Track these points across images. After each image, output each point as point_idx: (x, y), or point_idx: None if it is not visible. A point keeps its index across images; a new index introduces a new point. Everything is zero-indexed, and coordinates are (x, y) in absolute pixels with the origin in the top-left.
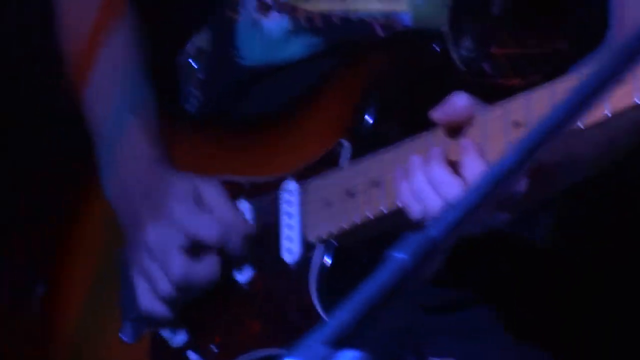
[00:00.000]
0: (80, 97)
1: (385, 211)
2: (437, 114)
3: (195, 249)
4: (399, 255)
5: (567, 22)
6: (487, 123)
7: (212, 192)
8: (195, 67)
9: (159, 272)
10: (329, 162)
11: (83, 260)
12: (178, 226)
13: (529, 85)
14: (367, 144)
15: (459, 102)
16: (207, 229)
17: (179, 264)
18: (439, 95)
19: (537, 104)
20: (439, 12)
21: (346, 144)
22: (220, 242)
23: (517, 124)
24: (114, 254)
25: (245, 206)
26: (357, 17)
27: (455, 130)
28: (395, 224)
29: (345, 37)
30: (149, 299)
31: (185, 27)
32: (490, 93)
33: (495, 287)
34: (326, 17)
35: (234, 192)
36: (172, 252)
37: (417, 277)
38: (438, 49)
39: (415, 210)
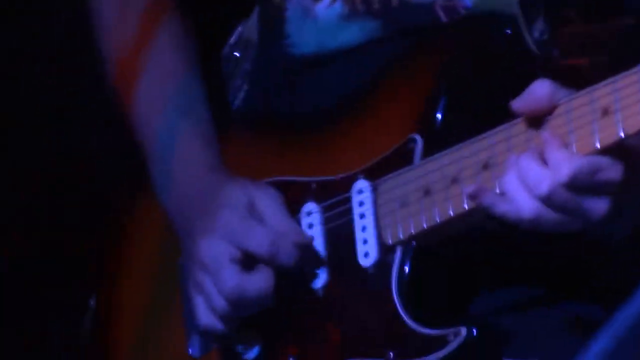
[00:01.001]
0: (127, 103)
1: (467, 207)
2: (518, 104)
3: (248, 261)
4: None
5: None
6: (573, 111)
7: (266, 201)
8: (239, 57)
9: (213, 287)
10: (401, 158)
11: (140, 270)
12: (229, 238)
13: (595, 64)
14: (440, 137)
15: (541, 91)
16: (258, 242)
17: (231, 278)
18: (513, 82)
19: (625, 90)
20: None
21: (419, 139)
22: (271, 255)
23: (605, 111)
24: (174, 263)
25: (313, 208)
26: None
27: (538, 120)
28: (476, 221)
29: (405, 21)
30: (206, 315)
31: (230, 18)
32: (559, 75)
33: (571, 286)
34: (384, 1)
35: (300, 194)
36: (223, 265)
37: None
38: (510, 33)
39: (501, 207)
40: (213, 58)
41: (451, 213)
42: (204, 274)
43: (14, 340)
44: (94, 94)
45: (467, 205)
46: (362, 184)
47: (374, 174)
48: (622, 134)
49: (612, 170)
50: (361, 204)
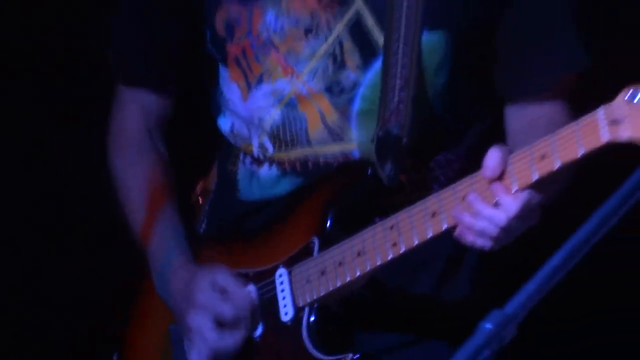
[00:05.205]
0: (141, 239)
1: (348, 280)
2: (491, 163)
3: (221, 322)
4: (487, 325)
5: (462, 145)
6: (514, 164)
7: (224, 278)
8: (202, 202)
9: (201, 344)
10: (305, 253)
11: (145, 334)
12: (205, 310)
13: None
14: (330, 238)
15: (495, 158)
16: (223, 309)
17: (211, 338)
18: (374, 203)
19: (562, 140)
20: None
21: (316, 240)
22: (235, 316)
23: (543, 157)
24: (167, 329)
25: (252, 289)
26: (324, 159)
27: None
28: (357, 287)
29: (318, 173)
30: None
31: (195, 176)
32: (405, 203)
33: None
34: (303, 164)
35: (244, 280)
36: (205, 329)
37: (499, 340)
38: (370, 172)
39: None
40: (185, 203)
41: (338, 284)
42: (194, 336)
43: None
44: None
45: (349, 278)
46: (281, 270)
47: (289, 264)
48: (560, 164)
49: (537, 197)
50: (281, 283)
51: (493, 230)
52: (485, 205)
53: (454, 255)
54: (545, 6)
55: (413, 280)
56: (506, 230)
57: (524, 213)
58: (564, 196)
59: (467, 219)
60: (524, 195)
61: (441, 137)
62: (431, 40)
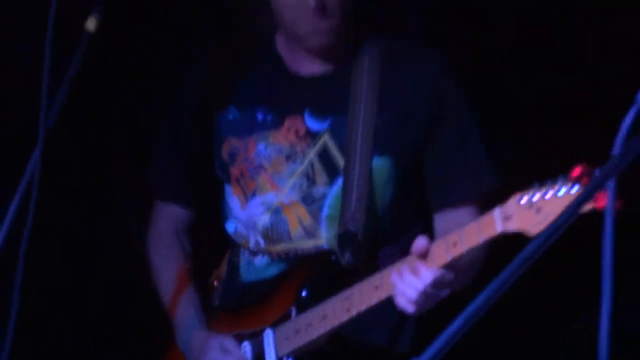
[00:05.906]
0: (170, 312)
1: (315, 336)
2: (417, 248)
3: None
4: None
5: (402, 240)
6: (434, 248)
7: (228, 342)
8: (216, 284)
9: None
10: (286, 317)
11: None
12: None
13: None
14: (304, 307)
15: (421, 240)
16: None
17: None
18: (336, 281)
19: (468, 232)
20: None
21: (293, 308)
22: None
23: (455, 244)
24: None
25: (246, 344)
26: (301, 251)
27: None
28: (324, 342)
29: (296, 262)
30: None
31: (211, 266)
32: (358, 281)
33: None
34: (287, 254)
35: (241, 338)
36: None
37: None
38: (334, 259)
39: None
40: (204, 284)
41: (308, 339)
42: None
43: None
44: None
45: (316, 335)
46: (268, 331)
47: (274, 325)
48: (466, 249)
49: (450, 275)
50: (268, 339)
51: (414, 294)
52: (410, 275)
53: (397, 320)
54: (459, 141)
55: (364, 337)
56: (425, 295)
57: (439, 284)
58: (473, 280)
59: (398, 283)
60: (439, 271)
61: (387, 235)
62: (379, 164)
